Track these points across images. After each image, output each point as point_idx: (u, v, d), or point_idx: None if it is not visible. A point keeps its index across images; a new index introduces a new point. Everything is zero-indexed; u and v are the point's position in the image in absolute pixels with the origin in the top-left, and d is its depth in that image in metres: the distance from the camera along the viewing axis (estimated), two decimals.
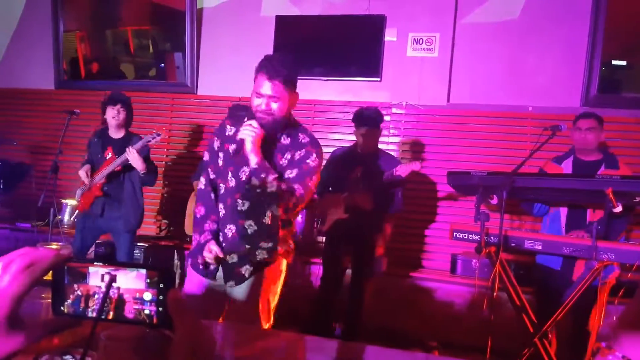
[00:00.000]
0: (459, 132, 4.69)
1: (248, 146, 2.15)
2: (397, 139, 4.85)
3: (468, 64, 4.72)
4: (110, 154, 3.96)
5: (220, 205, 2.30)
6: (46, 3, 5.78)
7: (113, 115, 3.97)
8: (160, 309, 0.70)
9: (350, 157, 3.85)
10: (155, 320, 0.70)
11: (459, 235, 3.19)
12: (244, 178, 2.23)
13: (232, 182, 2.27)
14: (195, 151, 5.36)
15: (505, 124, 4.61)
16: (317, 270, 4.16)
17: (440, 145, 4.74)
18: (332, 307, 3.91)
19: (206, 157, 2.41)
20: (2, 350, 0.67)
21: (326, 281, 3.91)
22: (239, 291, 2.29)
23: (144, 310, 0.71)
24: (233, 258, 2.26)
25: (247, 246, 2.24)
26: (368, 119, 3.73)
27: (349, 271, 3.91)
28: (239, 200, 2.23)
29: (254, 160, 2.15)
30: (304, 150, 2.27)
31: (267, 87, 2.18)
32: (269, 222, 2.23)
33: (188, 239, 4.69)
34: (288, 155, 2.27)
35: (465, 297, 4.24)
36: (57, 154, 4.22)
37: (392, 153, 4.61)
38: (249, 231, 2.23)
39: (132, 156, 3.77)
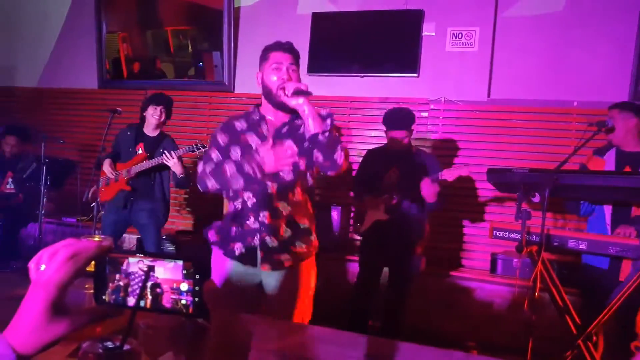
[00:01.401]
0: (500, 128, 4.60)
1: (306, 89, 2.15)
2: (435, 136, 4.79)
3: (510, 58, 4.62)
4: (141, 149, 4.08)
5: (248, 195, 2.30)
6: (90, 6, 5.94)
7: (154, 114, 4.10)
8: (197, 299, 0.71)
9: (387, 157, 3.81)
10: (191, 310, 0.71)
11: (499, 233, 3.13)
12: None
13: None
14: None
15: (548, 120, 4.50)
16: (353, 268, 4.14)
17: (480, 141, 4.66)
18: (368, 306, 3.88)
19: (217, 156, 2.37)
20: (48, 336, 0.69)
21: (362, 281, 3.89)
22: (277, 282, 2.31)
23: (180, 300, 0.72)
24: (273, 242, 2.27)
25: (286, 227, 2.27)
26: (396, 121, 3.69)
27: (385, 269, 3.88)
28: (268, 183, 2.27)
29: (311, 107, 2.15)
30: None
31: (286, 58, 2.28)
32: (300, 198, 2.31)
33: None
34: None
35: (505, 297, 4.16)
36: (101, 151, 4.34)
37: (429, 150, 4.58)
38: (284, 212, 2.28)
39: (173, 161, 3.90)
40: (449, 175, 3.42)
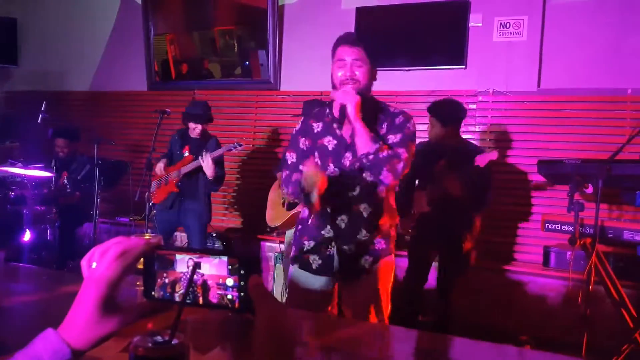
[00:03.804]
0: (551, 119, 4.47)
1: (351, 111, 2.11)
2: (484, 128, 4.70)
3: (560, 46, 4.48)
4: (187, 152, 4.24)
5: (324, 199, 2.20)
6: (137, 9, 6.10)
7: (195, 129, 4.30)
8: (242, 294, 0.72)
9: (435, 150, 3.77)
10: (237, 305, 0.73)
11: (551, 226, 3.06)
12: (347, 163, 2.21)
13: (335, 172, 2.24)
14: (280, 145, 5.47)
15: (601, 109, 4.34)
16: (403, 263, 4.11)
17: (530, 132, 4.54)
18: (417, 301, 3.86)
19: (293, 158, 2.36)
20: (100, 331, 0.71)
21: (411, 275, 3.87)
22: (360, 285, 2.26)
23: (226, 295, 0.73)
24: (351, 249, 2.21)
25: (365, 232, 2.21)
26: (442, 114, 3.66)
27: (435, 264, 3.85)
28: (349, 184, 2.20)
29: (358, 125, 2.11)
30: (401, 116, 2.25)
31: (350, 52, 2.18)
32: (383, 196, 2.23)
33: (268, 229, 4.80)
34: (385, 124, 2.24)
35: (558, 290, 4.06)
36: (151, 151, 4.46)
37: (478, 142, 4.49)
38: (365, 214, 2.21)
39: (206, 163, 4.05)
40: (480, 160, 3.37)
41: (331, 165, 2.24)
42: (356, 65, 2.18)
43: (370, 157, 2.10)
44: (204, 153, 4.07)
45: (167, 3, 6.05)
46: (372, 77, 2.27)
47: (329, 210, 2.22)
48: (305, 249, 2.28)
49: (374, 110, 2.27)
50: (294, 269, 2.35)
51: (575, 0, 4.42)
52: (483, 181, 3.57)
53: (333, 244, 2.22)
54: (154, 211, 4.45)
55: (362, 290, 2.26)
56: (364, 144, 2.12)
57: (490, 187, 3.66)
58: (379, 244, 2.24)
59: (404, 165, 2.15)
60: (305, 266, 2.29)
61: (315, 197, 2.09)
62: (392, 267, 2.33)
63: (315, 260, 2.25)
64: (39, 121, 4.69)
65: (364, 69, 2.20)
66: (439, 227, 3.67)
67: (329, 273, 2.25)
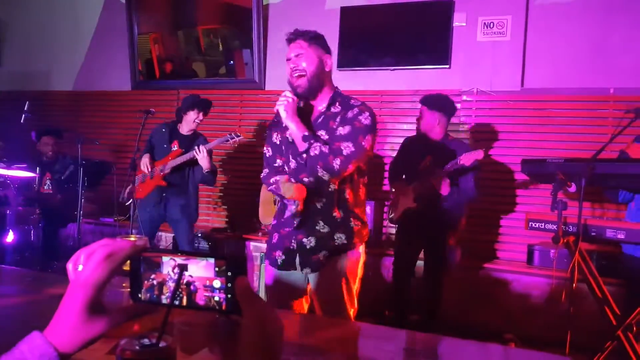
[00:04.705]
0: (534, 118, 4.52)
1: (282, 114, 2.23)
2: (468, 127, 4.73)
3: (543, 46, 4.53)
4: (176, 146, 4.16)
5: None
6: (121, 9, 6.05)
7: (197, 119, 4.19)
8: (229, 295, 0.72)
9: (421, 145, 3.80)
10: (224, 307, 0.73)
11: (535, 224, 3.08)
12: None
13: (293, 164, 2.30)
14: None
15: (584, 108, 4.40)
16: (388, 262, 4.13)
17: (514, 132, 4.59)
18: (405, 297, 3.88)
19: (269, 152, 2.43)
20: (86, 334, 0.71)
21: (398, 270, 3.89)
22: (319, 278, 2.29)
23: (213, 297, 0.73)
24: (311, 242, 2.26)
25: (322, 223, 2.24)
26: (433, 102, 3.74)
27: (420, 262, 3.87)
28: (305, 179, 2.23)
29: (292, 126, 2.22)
30: (356, 109, 2.27)
31: (292, 49, 2.27)
32: (336, 187, 2.26)
33: (262, 226, 4.79)
34: (338, 118, 2.27)
35: (542, 289, 4.10)
36: (135, 151, 4.41)
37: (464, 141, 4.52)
38: (319, 206, 2.25)
39: (202, 155, 3.97)
40: (465, 159, 3.41)
41: (290, 156, 2.31)
42: (300, 59, 2.25)
43: (304, 155, 2.20)
44: (198, 146, 4.00)
45: (151, 2, 6.01)
46: (321, 63, 2.29)
47: (286, 203, 2.30)
48: (272, 242, 2.36)
49: (331, 105, 2.31)
50: (266, 265, 2.44)
51: (558, 1, 4.47)
52: (468, 178, 3.61)
53: (294, 237, 2.27)
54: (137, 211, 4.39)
55: (324, 284, 2.30)
56: (297, 143, 2.22)
57: (476, 184, 3.68)
58: (339, 239, 2.26)
59: (344, 160, 2.16)
60: (273, 262, 2.36)
61: (298, 205, 2.22)
62: (357, 262, 2.34)
63: (280, 257, 2.32)
64: (21, 121, 4.63)
65: (308, 58, 2.25)
66: (424, 223, 3.70)
67: (291, 268, 2.30)
